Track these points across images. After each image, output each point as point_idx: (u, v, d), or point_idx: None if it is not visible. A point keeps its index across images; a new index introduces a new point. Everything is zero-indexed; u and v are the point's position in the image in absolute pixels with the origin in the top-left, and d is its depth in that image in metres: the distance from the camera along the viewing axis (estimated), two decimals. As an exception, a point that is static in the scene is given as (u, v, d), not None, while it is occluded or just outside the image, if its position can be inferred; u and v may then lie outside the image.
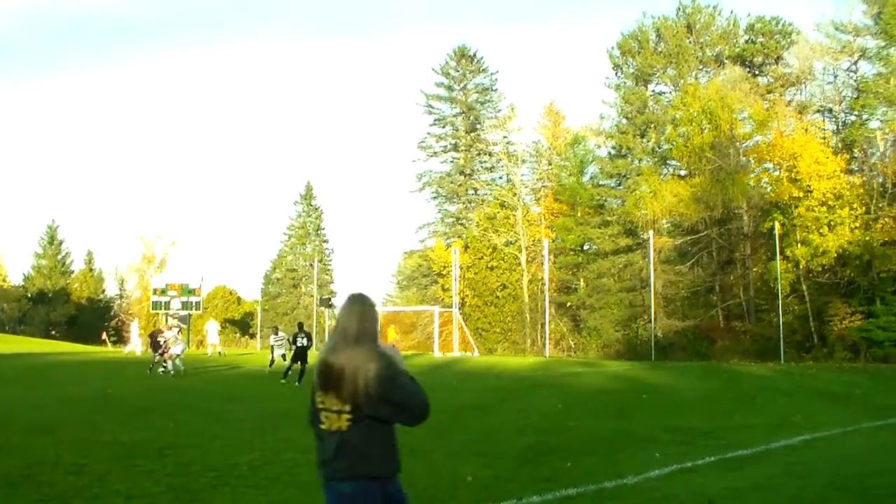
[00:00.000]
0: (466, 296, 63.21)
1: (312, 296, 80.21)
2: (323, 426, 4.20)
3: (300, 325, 27.79)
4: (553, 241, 60.73)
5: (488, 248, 64.47)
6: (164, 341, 29.31)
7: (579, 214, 59.18)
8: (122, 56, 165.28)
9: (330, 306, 75.72)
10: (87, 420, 13.79)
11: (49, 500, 7.29)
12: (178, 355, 29.45)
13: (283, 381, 24.76)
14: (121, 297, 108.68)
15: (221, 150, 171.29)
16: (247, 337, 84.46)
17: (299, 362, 25.53)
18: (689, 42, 56.03)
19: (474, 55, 77.15)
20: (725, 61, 54.85)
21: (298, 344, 26.03)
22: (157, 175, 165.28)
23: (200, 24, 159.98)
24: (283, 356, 28.49)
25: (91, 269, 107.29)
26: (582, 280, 60.30)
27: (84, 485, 8.01)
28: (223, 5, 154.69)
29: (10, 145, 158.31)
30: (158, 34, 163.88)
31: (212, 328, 50.46)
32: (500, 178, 73.38)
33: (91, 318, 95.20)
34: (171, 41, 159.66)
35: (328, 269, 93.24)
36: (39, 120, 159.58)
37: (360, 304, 4.36)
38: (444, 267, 65.11)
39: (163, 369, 28.47)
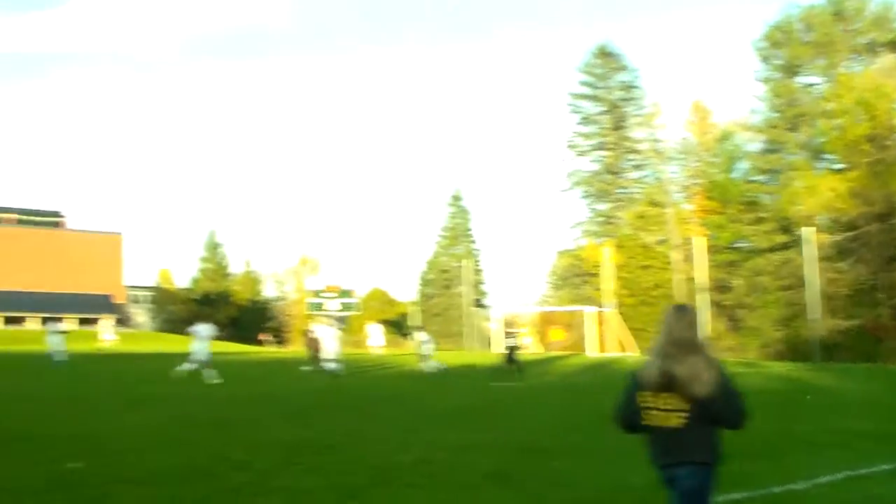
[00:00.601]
0: (621, 295, 62.53)
1: (464, 296, 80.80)
2: (650, 422, 4.87)
3: (508, 325, 28.11)
4: (706, 239, 59.37)
5: (640, 246, 63.59)
6: (319, 340, 30.14)
7: (731, 211, 57.65)
8: (270, 64, 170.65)
9: (482, 307, 76.11)
10: (251, 418, 14.27)
11: (218, 493, 7.58)
12: (333, 356, 30.07)
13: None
14: (280, 299, 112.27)
15: (376, 154, 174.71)
16: (402, 337, 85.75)
17: (512, 362, 26.13)
18: (840, 30, 53.68)
19: (616, 53, 76.28)
20: (879, 49, 52.27)
21: (509, 344, 26.48)
22: (313, 180, 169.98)
23: (350, 31, 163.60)
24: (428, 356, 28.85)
25: (250, 272, 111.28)
26: (738, 278, 58.70)
27: (250, 481, 8.29)
28: (369, 11, 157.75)
29: (176, 158, 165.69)
30: (307, 43, 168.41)
31: (375, 331, 51.24)
32: (649, 175, 72.31)
33: (251, 319, 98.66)
34: (320, 49, 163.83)
35: (479, 270, 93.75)
36: (199, 135, 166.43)
37: (691, 314, 4.97)
38: (596, 266, 64.55)
39: (321, 368, 29.09)
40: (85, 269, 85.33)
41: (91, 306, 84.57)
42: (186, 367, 24.60)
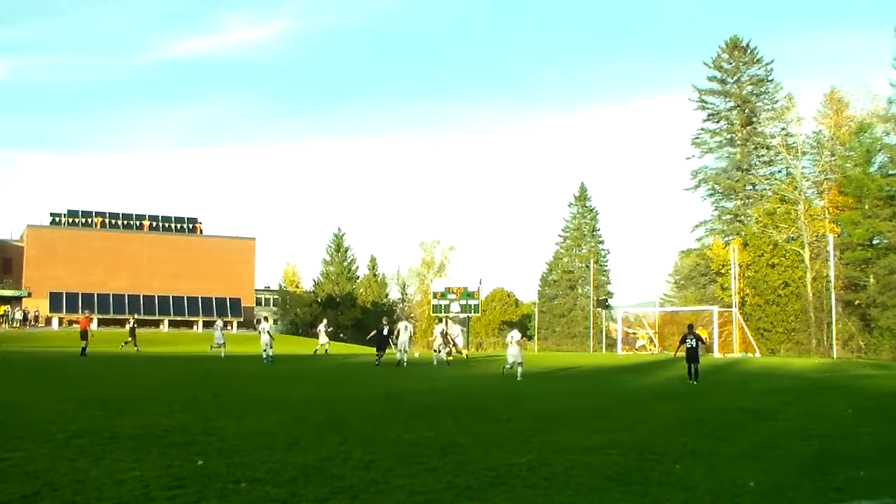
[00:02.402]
0: (746, 294, 60.99)
1: (589, 297, 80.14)
2: None
3: (690, 327, 27.48)
4: (838, 236, 57.34)
5: (768, 244, 61.97)
6: (436, 336, 31.97)
7: (867, 207, 55.57)
8: (390, 69, 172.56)
9: (607, 307, 75.34)
10: (372, 418, 14.47)
11: (340, 492, 7.70)
12: (446, 352, 31.92)
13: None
14: (403, 300, 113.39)
15: (496, 155, 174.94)
16: (524, 339, 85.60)
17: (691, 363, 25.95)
18: None
19: (747, 45, 74.32)
20: None
21: (688, 344, 26.14)
22: (435, 181, 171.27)
23: (470, 33, 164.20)
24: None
25: (374, 275, 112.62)
26: (872, 276, 56.55)
27: (371, 479, 8.40)
28: (486, 12, 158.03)
29: (302, 162, 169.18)
30: (429, 50, 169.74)
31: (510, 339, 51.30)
32: (780, 171, 70.40)
33: (376, 321, 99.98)
34: (440, 53, 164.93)
35: (604, 271, 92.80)
36: (324, 137, 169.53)
37: None
38: (723, 265, 63.19)
39: (437, 361, 30.45)
40: (219, 273, 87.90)
41: (221, 310, 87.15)
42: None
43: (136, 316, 59.20)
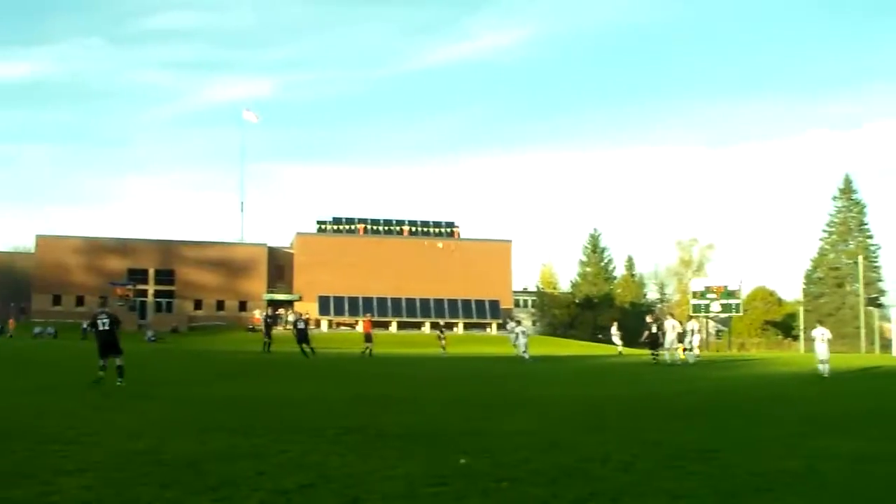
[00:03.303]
0: None
1: (858, 295, 75.53)
2: None
3: None
4: None
5: None
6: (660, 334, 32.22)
7: None
8: (650, 69, 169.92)
9: (879, 306, 70.73)
10: (633, 419, 14.27)
11: (600, 493, 7.60)
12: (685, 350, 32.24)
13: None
14: (661, 300, 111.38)
15: (755, 149, 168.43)
16: (789, 339, 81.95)
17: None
18: None
19: None
20: None
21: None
22: (692, 178, 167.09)
23: (732, 30, 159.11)
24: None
25: (632, 275, 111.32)
26: None
27: (632, 482, 8.24)
28: (746, 9, 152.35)
29: (556, 163, 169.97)
30: (687, 48, 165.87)
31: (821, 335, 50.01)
32: None
33: (634, 322, 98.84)
34: (696, 50, 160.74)
35: (874, 267, 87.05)
36: (579, 139, 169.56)
37: None
38: None
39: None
40: (477, 276, 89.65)
41: (479, 312, 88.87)
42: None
43: (442, 321, 61.74)
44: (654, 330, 35.22)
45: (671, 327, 34.99)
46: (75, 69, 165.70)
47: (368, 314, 62.64)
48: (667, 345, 34.47)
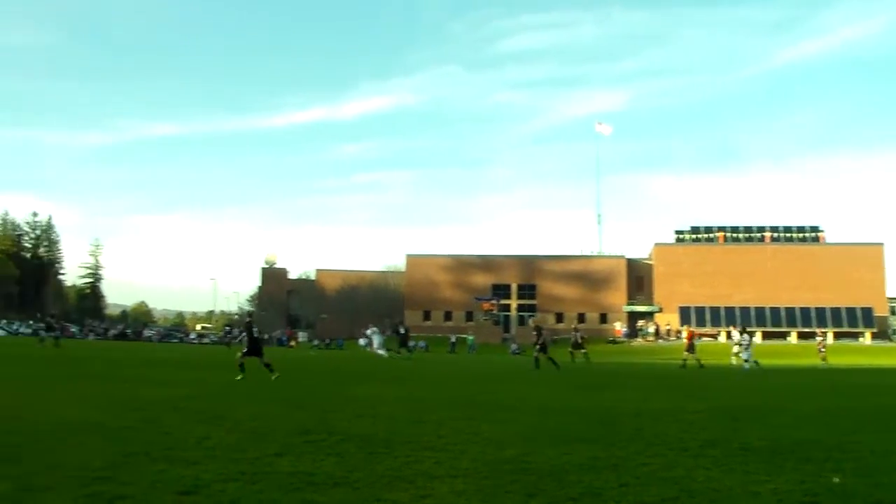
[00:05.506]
0: None
1: None
2: None
3: None
4: None
5: None
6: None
7: None
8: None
9: None
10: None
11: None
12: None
13: None
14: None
15: None
16: None
17: None
18: None
19: None
20: None
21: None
22: None
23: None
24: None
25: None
26: None
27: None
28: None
29: None
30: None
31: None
32: None
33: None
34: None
35: None
36: None
37: None
38: None
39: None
40: (844, 282, 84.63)
41: (850, 320, 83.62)
42: None
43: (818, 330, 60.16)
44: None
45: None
46: (435, 97, 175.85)
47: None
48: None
